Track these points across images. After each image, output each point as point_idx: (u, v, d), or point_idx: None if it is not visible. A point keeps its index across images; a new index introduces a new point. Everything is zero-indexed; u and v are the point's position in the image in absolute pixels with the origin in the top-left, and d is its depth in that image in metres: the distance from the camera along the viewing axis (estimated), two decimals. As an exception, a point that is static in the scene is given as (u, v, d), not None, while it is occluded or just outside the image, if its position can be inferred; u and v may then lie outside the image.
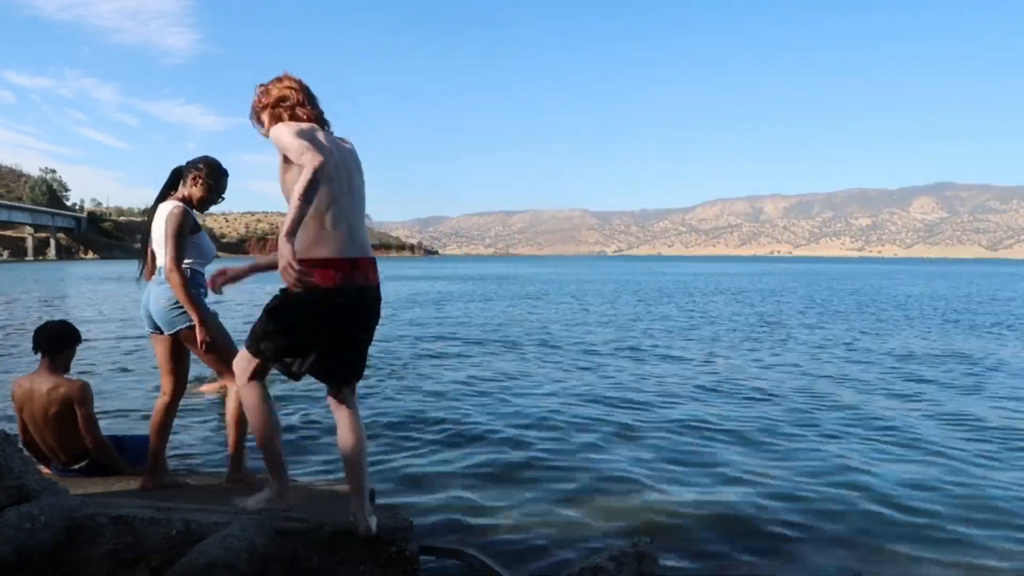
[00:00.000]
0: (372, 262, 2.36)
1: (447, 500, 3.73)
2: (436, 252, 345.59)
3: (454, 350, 10.03)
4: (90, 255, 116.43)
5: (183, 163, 3.13)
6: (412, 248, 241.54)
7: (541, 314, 16.60)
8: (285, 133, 2.17)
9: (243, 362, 2.43)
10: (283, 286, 2.16)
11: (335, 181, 2.27)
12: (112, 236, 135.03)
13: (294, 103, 2.36)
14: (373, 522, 2.36)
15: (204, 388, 6.32)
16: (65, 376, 3.18)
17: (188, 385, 3.27)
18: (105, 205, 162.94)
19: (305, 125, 2.30)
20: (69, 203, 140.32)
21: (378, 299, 2.42)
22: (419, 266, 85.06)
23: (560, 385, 7.19)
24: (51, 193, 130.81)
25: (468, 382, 7.32)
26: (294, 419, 5.33)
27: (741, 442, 4.95)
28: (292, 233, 2.00)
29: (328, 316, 2.27)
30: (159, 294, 2.92)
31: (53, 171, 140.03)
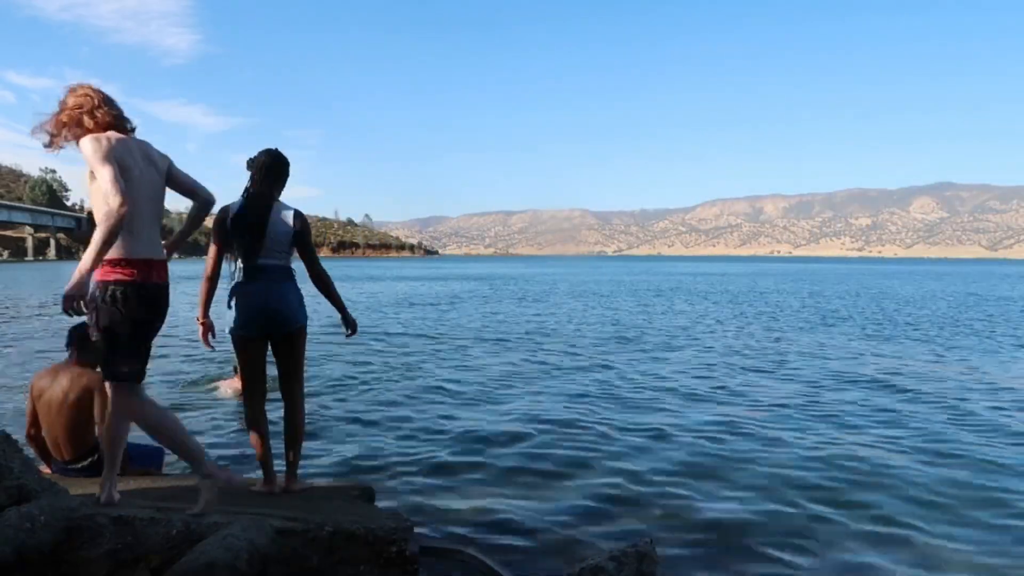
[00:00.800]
0: (164, 264, 2.59)
1: (447, 500, 3.74)
2: (436, 252, 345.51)
3: (454, 351, 10.03)
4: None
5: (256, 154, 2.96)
6: (412, 248, 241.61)
7: (541, 316, 16.60)
8: (95, 158, 2.30)
9: (119, 396, 2.50)
10: (95, 299, 2.35)
11: (141, 190, 2.43)
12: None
13: (91, 107, 2.46)
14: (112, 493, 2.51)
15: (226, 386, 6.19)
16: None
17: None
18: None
19: (114, 139, 2.39)
20: (69, 203, 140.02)
21: (168, 296, 2.61)
22: (419, 266, 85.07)
23: (560, 387, 7.19)
24: (51, 193, 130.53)
25: (468, 383, 7.32)
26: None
27: (741, 444, 4.96)
28: (90, 272, 2.23)
29: (142, 307, 2.44)
30: (288, 290, 2.94)
31: (53, 171, 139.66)
